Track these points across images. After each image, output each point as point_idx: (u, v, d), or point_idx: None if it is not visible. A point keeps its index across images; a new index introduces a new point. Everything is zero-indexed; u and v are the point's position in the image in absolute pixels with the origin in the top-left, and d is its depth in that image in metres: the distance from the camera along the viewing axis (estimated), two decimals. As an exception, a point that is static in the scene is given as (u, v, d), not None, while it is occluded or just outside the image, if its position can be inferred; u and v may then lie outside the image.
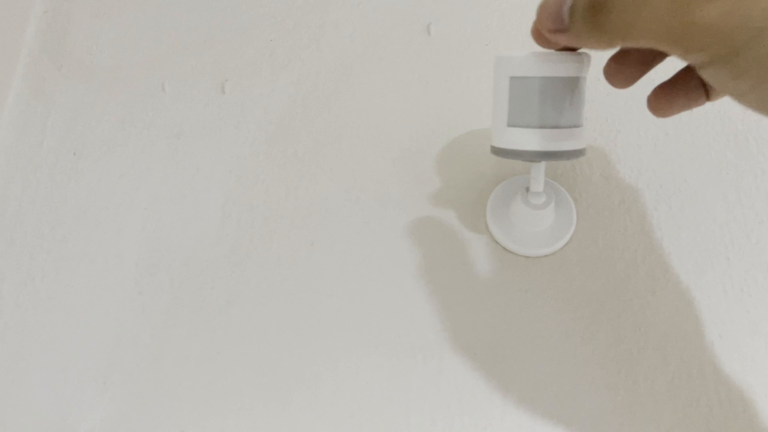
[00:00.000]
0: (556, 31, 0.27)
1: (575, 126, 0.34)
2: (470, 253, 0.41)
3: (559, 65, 0.33)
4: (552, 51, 0.33)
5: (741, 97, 0.22)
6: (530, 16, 0.43)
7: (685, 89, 0.30)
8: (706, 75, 0.22)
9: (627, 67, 0.32)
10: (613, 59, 0.32)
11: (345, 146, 0.46)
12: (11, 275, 0.48)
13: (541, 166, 0.37)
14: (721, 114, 0.43)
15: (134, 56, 0.54)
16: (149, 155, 0.50)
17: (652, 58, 0.31)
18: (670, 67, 0.30)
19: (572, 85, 0.33)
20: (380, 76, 0.48)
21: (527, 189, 0.39)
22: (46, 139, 0.52)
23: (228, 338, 0.42)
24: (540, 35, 0.29)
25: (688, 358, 0.36)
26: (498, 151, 0.36)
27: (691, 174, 0.42)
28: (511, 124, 0.34)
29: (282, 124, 0.48)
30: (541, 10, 0.28)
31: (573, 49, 0.32)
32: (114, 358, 0.44)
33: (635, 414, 0.35)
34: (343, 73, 0.49)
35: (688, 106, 0.30)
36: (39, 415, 0.43)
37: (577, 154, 0.35)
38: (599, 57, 0.34)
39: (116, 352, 0.44)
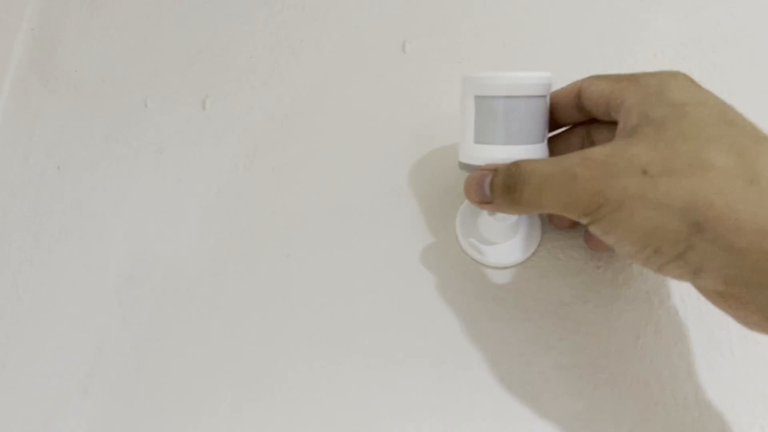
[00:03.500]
0: (482, 203, 0.34)
1: (540, 142, 0.36)
2: (440, 264, 0.42)
3: (522, 85, 0.34)
4: (516, 72, 0.34)
5: (613, 246, 0.30)
6: (502, 35, 0.44)
7: None
8: (591, 230, 0.30)
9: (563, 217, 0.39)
10: None
11: (322, 161, 0.48)
12: (-4, 287, 0.48)
13: (507, 181, 0.39)
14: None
15: (118, 73, 0.56)
16: (132, 170, 0.51)
17: None
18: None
19: (536, 104, 0.35)
20: (357, 93, 0.49)
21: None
22: (32, 153, 0.54)
23: (207, 349, 0.43)
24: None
25: (647, 365, 0.37)
26: (465, 167, 0.37)
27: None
28: (477, 141, 0.36)
29: (261, 139, 0.50)
30: (467, 186, 0.35)
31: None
32: (95, 367, 0.45)
33: (596, 418, 0.37)
34: (321, 90, 0.50)
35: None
36: (21, 424, 0.44)
37: None
38: (565, 76, 0.36)
39: (98, 362, 0.45)
